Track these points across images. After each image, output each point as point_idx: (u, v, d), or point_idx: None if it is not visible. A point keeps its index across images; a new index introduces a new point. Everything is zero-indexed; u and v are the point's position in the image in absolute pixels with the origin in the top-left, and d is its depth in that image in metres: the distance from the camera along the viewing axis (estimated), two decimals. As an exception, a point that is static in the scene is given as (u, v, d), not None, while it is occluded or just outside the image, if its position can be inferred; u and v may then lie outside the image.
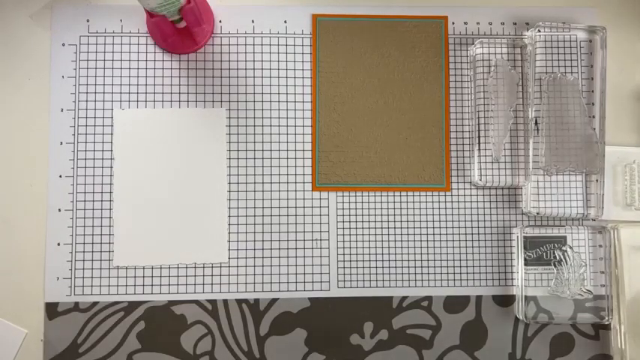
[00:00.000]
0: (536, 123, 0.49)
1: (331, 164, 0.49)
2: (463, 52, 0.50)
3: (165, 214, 0.47)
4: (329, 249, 0.48)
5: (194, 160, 0.48)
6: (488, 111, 0.49)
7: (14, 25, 0.48)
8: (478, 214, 0.49)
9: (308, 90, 0.49)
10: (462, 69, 0.50)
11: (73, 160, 0.48)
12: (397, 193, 0.49)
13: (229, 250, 0.48)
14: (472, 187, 0.49)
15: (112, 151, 0.48)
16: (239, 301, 0.47)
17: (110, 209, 0.47)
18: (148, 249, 0.47)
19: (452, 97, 0.50)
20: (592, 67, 0.50)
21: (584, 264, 0.48)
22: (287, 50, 0.49)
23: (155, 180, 0.47)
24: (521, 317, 0.47)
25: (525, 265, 0.48)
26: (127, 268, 0.47)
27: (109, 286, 0.47)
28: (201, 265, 0.47)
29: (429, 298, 0.48)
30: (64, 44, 0.48)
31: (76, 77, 0.48)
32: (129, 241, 0.47)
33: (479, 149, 0.49)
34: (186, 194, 0.48)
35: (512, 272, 0.49)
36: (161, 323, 0.47)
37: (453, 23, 0.50)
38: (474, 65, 0.49)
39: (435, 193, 0.49)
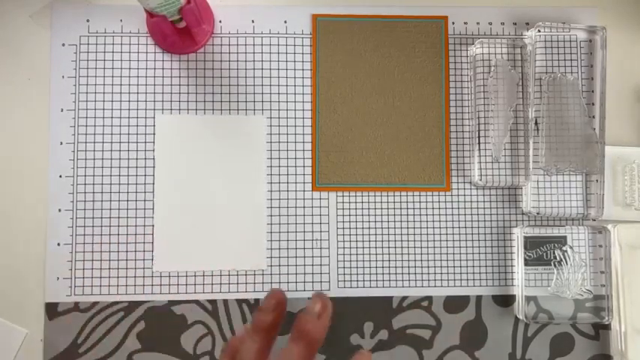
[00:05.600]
0: (536, 123, 0.49)
1: (331, 164, 0.49)
2: (463, 52, 0.50)
3: (198, 220, 0.48)
4: (329, 249, 0.48)
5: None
6: (488, 111, 0.49)
7: (14, 25, 0.48)
8: (478, 214, 0.49)
9: (308, 90, 0.49)
10: (462, 69, 0.50)
11: (73, 160, 0.48)
12: (397, 193, 0.49)
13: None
14: (472, 187, 0.49)
15: (153, 159, 0.48)
16: (239, 301, 0.47)
17: (110, 209, 0.47)
18: (189, 254, 0.47)
19: (452, 97, 0.50)
20: (592, 67, 0.50)
21: (584, 264, 0.48)
22: (287, 50, 0.49)
23: (186, 186, 0.48)
24: (521, 317, 0.47)
25: (525, 265, 0.48)
26: (126, 269, 0.47)
27: (109, 286, 0.47)
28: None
29: (429, 298, 0.48)
30: (64, 44, 0.48)
31: (76, 77, 0.48)
32: (169, 248, 0.47)
33: (479, 149, 0.49)
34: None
35: (512, 272, 0.49)
36: (161, 323, 0.47)
37: (453, 23, 0.50)
38: (474, 65, 0.49)
39: (435, 193, 0.49)
